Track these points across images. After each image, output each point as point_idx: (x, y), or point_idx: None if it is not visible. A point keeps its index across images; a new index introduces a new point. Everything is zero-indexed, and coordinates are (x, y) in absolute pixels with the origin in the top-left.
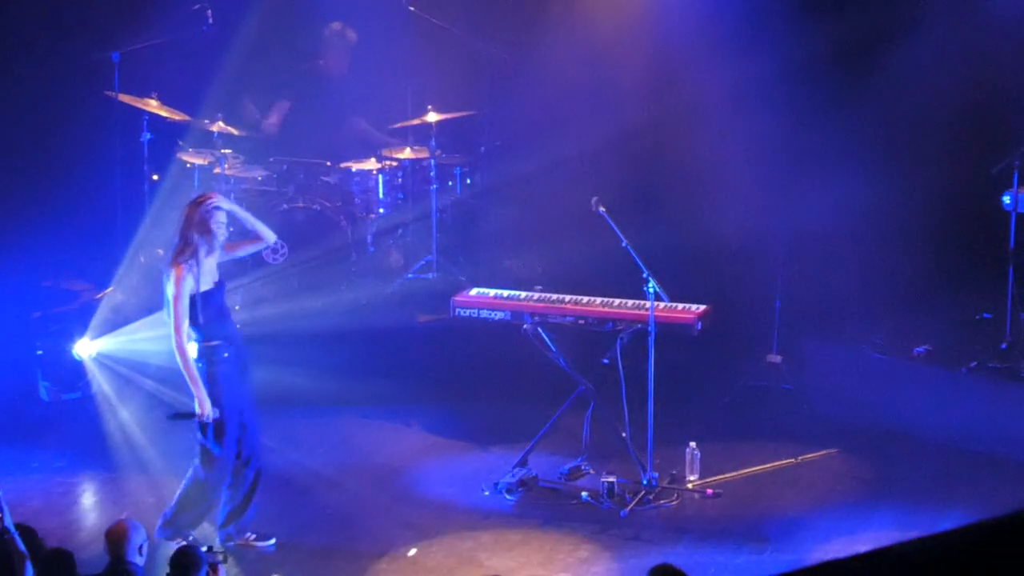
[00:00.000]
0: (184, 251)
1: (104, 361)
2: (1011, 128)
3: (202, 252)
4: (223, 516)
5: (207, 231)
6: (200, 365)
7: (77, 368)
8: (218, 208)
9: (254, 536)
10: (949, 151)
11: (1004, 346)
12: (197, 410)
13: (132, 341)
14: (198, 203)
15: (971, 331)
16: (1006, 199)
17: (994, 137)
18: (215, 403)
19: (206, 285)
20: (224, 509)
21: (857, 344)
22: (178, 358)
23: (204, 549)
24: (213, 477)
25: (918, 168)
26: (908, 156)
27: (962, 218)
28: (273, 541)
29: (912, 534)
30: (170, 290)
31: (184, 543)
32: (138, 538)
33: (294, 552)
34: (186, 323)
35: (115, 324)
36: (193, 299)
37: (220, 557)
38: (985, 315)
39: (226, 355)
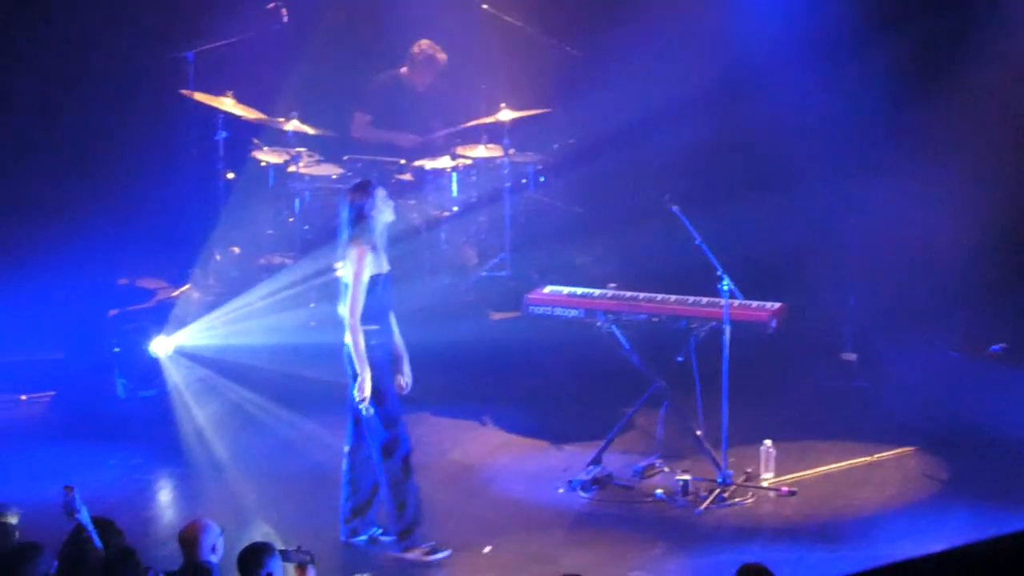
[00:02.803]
0: (362, 233)
1: (180, 358)
2: None
3: (377, 235)
4: (347, 510)
5: (381, 214)
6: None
7: (153, 365)
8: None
9: (424, 549)
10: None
11: None
12: (356, 394)
13: (208, 337)
14: (365, 188)
15: None
16: None
17: None
18: (373, 387)
19: (378, 269)
20: (348, 504)
21: (932, 342)
22: (350, 337)
23: (293, 549)
24: (393, 464)
25: (992, 166)
26: (982, 154)
27: None
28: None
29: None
30: (350, 269)
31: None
32: (211, 538)
33: (367, 551)
34: (362, 303)
35: (191, 322)
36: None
37: (307, 557)
38: None
39: (373, 343)
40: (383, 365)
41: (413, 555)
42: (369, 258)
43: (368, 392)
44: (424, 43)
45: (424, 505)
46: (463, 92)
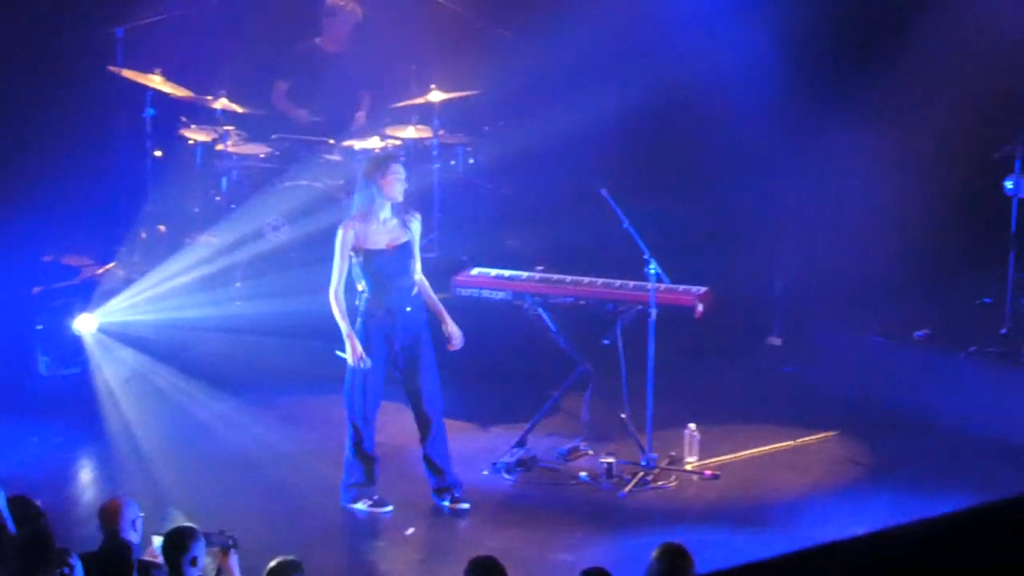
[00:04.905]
0: (354, 207)
1: (104, 337)
2: (1014, 114)
3: (376, 210)
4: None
5: (382, 191)
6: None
7: (77, 343)
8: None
9: (370, 502)
10: (952, 136)
11: (1004, 331)
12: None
13: (133, 315)
14: (370, 162)
15: (972, 316)
16: (1008, 184)
17: (998, 122)
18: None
19: (373, 244)
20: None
21: (858, 327)
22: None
23: (216, 532)
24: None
25: (921, 153)
26: (911, 141)
27: (964, 203)
28: (390, 508)
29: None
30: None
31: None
32: (131, 514)
33: (293, 532)
34: (336, 276)
35: (116, 300)
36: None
37: (231, 541)
38: (986, 300)
39: (361, 314)
40: (363, 336)
41: (360, 505)
42: (350, 235)
43: (352, 357)
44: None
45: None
46: (390, 67)
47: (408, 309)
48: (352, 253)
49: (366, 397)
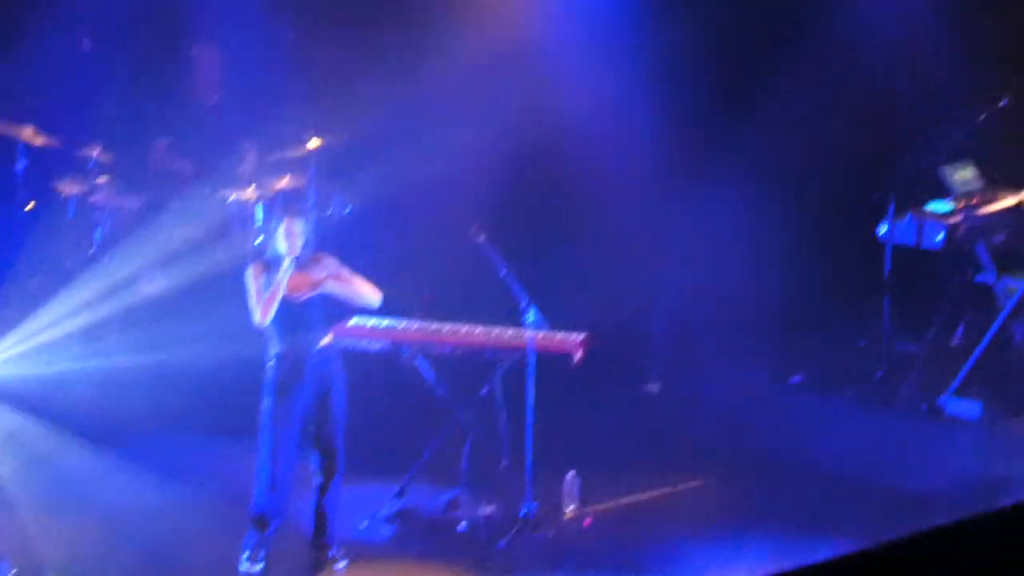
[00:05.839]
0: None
1: None
2: (888, 161)
3: (272, 256)
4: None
5: (279, 240)
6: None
7: None
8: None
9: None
10: (829, 180)
11: (879, 374)
12: None
13: (4, 368)
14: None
15: (848, 359)
16: (882, 229)
17: (872, 169)
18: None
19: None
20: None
21: (736, 372)
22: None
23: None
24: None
25: (799, 197)
26: (790, 185)
27: (841, 246)
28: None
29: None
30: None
31: None
32: (3, 571)
33: None
34: (256, 314)
35: None
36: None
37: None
38: (861, 343)
39: (269, 362)
40: (266, 385)
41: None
42: (263, 280)
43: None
44: (196, 48)
45: (218, 543)
46: (268, 117)
47: (317, 360)
48: None
49: (276, 454)
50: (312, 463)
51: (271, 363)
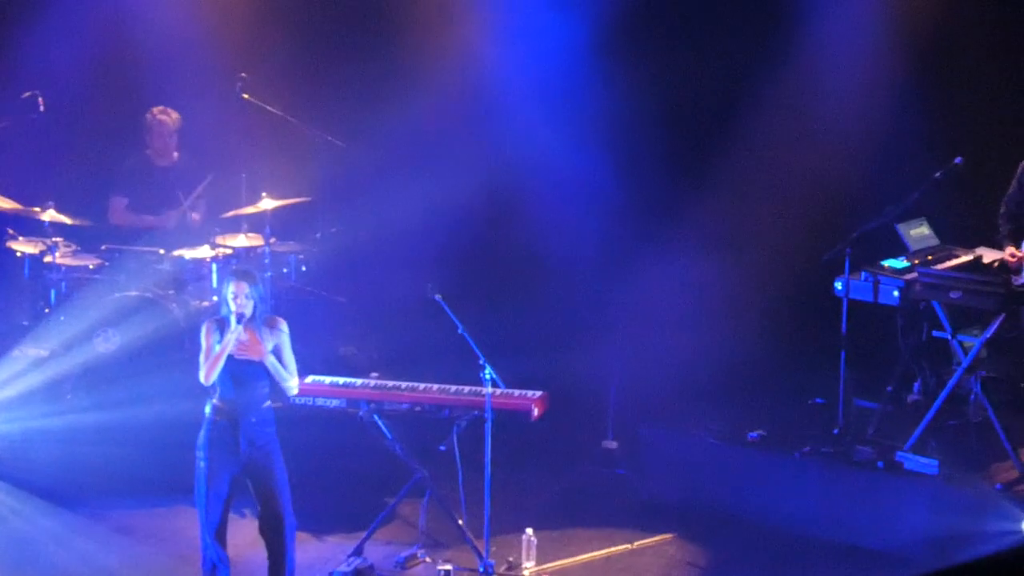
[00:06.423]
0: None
1: None
2: (843, 216)
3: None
4: None
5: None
6: None
7: None
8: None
9: None
10: (785, 237)
11: (836, 431)
12: None
13: None
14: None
15: (805, 416)
16: (838, 285)
17: (827, 226)
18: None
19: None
20: None
21: (693, 429)
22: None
23: None
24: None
25: (755, 254)
26: (745, 242)
27: (797, 303)
28: None
29: None
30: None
31: None
32: None
33: None
34: (203, 372)
35: None
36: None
37: None
38: (818, 400)
39: (204, 430)
40: (206, 446)
41: None
42: (213, 339)
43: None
44: (155, 109)
45: None
46: (221, 175)
47: (253, 420)
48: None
49: (208, 510)
50: (259, 523)
51: (207, 417)
